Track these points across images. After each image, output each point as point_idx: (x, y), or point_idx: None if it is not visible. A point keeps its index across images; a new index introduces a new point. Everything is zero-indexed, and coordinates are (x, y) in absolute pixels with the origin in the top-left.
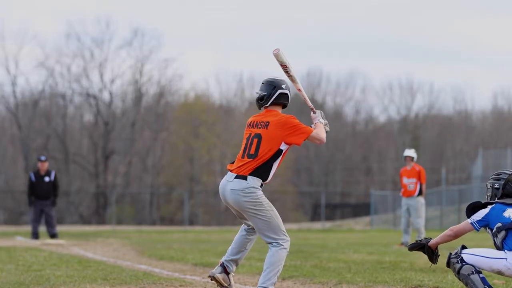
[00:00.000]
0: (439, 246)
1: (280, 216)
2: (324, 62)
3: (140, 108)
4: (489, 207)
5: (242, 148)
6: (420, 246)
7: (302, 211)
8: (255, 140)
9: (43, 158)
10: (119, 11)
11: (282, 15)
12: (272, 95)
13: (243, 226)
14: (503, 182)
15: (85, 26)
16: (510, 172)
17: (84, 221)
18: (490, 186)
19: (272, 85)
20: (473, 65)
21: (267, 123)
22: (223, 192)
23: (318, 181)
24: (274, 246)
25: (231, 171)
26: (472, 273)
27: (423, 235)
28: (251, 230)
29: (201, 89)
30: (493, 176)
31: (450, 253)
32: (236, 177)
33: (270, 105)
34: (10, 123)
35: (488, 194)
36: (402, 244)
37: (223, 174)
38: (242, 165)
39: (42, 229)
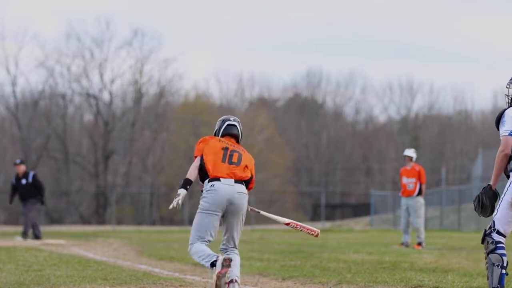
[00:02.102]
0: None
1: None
2: (324, 62)
3: (140, 108)
4: None
5: (221, 156)
6: (493, 195)
7: (302, 211)
8: (236, 154)
9: (18, 161)
10: (119, 11)
11: (282, 15)
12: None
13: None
14: None
15: (85, 26)
16: None
17: (84, 221)
18: None
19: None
20: (473, 65)
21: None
22: (231, 195)
23: (318, 181)
24: (236, 250)
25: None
26: (498, 265)
27: (422, 235)
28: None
29: (201, 89)
30: None
31: (485, 230)
32: (236, 181)
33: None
34: (10, 123)
35: (509, 95)
36: (402, 244)
37: None
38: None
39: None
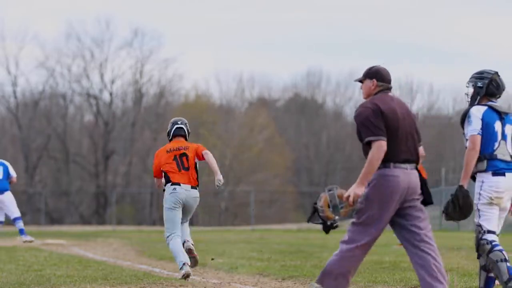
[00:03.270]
0: None
1: (280, 216)
2: (324, 62)
3: (140, 108)
4: (480, 110)
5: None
6: (467, 194)
7: (302, 211)
8: (184, 157)
9: None
10: (119, 11)
11: (282, 15)
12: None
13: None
14: (486, 81)
15: (85, 26)
16: (493, 72)
17: (84, 221)
18: (473, 85)
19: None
20: (473, 65)
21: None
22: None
23: (318, 181)
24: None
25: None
26: (501, 260)
27: None
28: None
29: (201, 89)
30: (475, 75)
31: (476, 237)
32: (192, 187)
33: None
34: (11, 123)
35: (469, 93)
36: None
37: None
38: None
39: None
